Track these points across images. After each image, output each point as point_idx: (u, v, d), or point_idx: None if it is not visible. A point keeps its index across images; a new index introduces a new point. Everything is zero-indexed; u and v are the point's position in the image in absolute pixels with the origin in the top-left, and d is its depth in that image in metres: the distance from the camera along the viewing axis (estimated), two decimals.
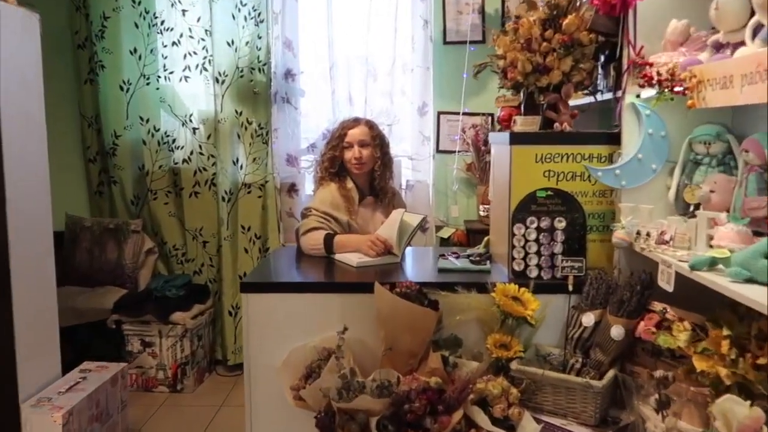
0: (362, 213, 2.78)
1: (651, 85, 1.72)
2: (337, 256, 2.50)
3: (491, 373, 2.01)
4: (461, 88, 4.01)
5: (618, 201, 2.07)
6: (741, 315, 1.55)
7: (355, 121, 2.80)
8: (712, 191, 1.79)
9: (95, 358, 3.96)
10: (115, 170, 4.04)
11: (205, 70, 3.97)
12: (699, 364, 1.55)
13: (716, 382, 1.51)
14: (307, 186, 4.16)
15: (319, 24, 3.99)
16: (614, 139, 2.09)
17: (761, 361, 1.42)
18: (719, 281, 1.44)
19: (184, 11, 3.94)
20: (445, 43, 4.08)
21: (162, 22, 3.96)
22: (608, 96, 2.21)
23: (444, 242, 3.97)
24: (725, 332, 1.51)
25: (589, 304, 2.00)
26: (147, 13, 3.95)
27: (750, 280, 1.40)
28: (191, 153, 4.02)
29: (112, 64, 3.97)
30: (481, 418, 1.79)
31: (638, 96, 1.99)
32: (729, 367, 1.47)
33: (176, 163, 4.05)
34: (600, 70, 2.21)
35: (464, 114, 4.06)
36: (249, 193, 4.00)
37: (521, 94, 2.28)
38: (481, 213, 3.94)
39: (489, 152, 3.91)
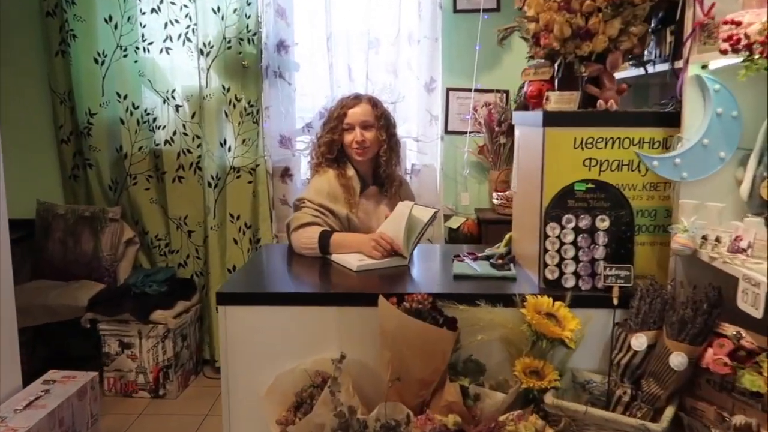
0: (364, 205, 2.41)
1: (737, 51, 1.33)
2: (334, 257, 2.13)
3: (519, 406, 1.66)
4: (473, 62, 3.62)
5: (675, 196, 1.70)
6: None
7: (357, 99, 2.41)
8: None
9: (72, 359, 3.65)
10: (91, 152, 3.66)
11: (189, 40, 3.56)
12: None
13: None
14: (303, 170, 3.78)
15: None
16: (672, 121, 1.70)
17: None
18: None
19: None
20: (456, 11, 3.67)
21: None
22: (663, 67, 1.82)
23: (453, 233, 3.60)
24: None
25: (639, 322, 1.64)
26: None
27: None
28: (174, 133, 3.64)
29: (85, 34, 3.57)
30: None
31: (704, 66, 1.61)
32: None
33: (158, 145, 3.67)
34: (653, 36, 1.82)
35: (476, 91, 3.67)
36: (238, 177, 3.62)
37: (556, 65, 1.89)
38: (495, 201, 3.56)
39: (503, 133, 3.54)
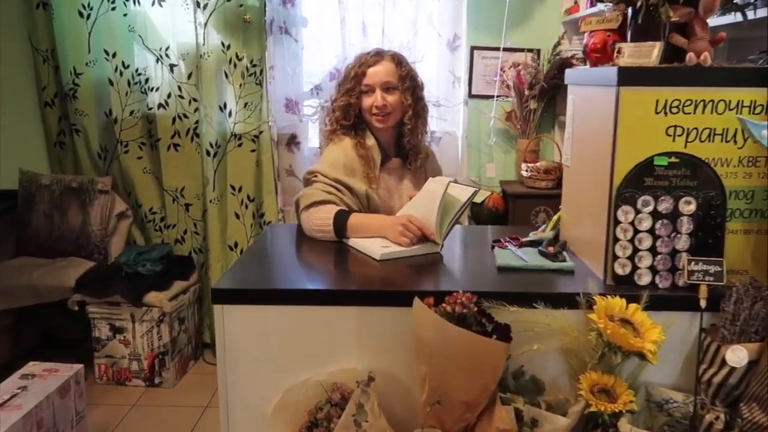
0: (385, 180, 2.07)
1: None
2: (353, 242, 1.80)
3: (581, 430, 1.35)
4: (502, 17, 3.24)
5: None
6: None
7: (378, 56, 2.05)
8: None
9: (61, 343, 3.37)
10: (77, 117, 3.31)
11: None
12: None
13: None
14: (311, 137, 3.44)
15: None
16: None
17: None
18: None
19: None
20: None
21: None
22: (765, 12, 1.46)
23: (476, 207, 3.26)
24: None
25: (736, 332, 1.32)
26: None
27: None
28: (169, 96, 3.28)
29: None
30: None
31: None
32: None
33: (151, 109, 3.32)
34: None
35: (504, 50, 3.30)
36: (240, 145, 3.28)
37: (630, 9, 1.53)
38: (524, 173, 3.22)
39: (534, 98, 3.18)
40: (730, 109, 1.40)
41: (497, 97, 3.33)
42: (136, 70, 3.29)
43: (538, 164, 3.15)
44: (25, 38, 3.31)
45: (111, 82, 3.28)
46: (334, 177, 1.94)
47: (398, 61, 2.05)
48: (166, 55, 3.25)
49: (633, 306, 1.37)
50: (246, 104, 3.24)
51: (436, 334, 1.30)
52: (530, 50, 3.28)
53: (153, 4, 3.21)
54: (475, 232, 2.16)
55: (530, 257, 1.66)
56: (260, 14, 3.15)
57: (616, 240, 1.45)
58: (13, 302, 3.05)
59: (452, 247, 1.80)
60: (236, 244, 3.36)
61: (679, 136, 1.42)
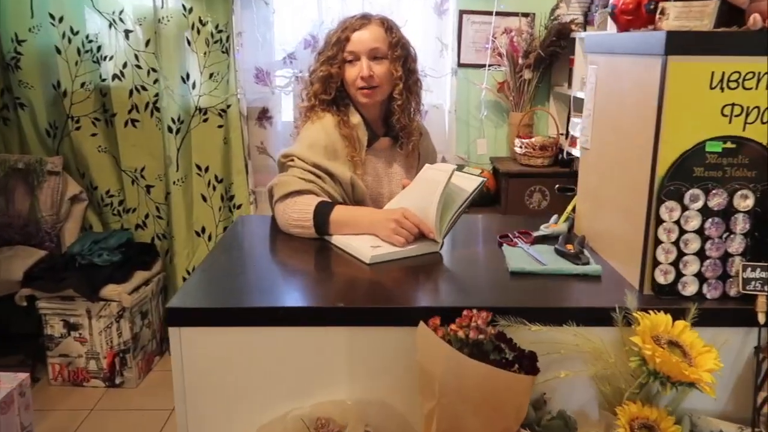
0: (372, 164, 1.80)
1: None
2: (336, 240, 1.53)
3: None
4: None
5: None
6: None
7: (364, 20, 1.75)
8: None
9: (12, 338, 3.06)
10: (22, 89, 2.95)
11: None
12: None
13: None
14: (285, 111, 3.13)
15: None
16: None
17: None
18: None
19: None
20: None
21: None
22: None
23: None
24: None
25: None
26: None
27: None
28: (124, 66, 2.94)
29: None
30: None
31: None
32: None
33: (104, 80, 2.97)
34: None
35: (497, 14, 3.01)
36: (205, 121, 2.97)
37: None
38: (517, 149, 2.96)
39: (529, 67, 2.91)
40: None
41: (490, 66, 3.05)
42: (87, 37, 2.93)
43: (533, 140, 2.90)
44: None
45: (58, 51, 2.92)
46: (313, 161, 1.66)
47: (388, 26, 1.76)
48: (121, 20, 2.90)
49: (681, 324, 1.13)
50: (211, 75, 2.92)
51: (447, 367, 1.05)
52: (525, 14, 3.00)
53: None
54: (473, 222, 1.90)
55: (547, 258, 1.41)
56: None
57: (658, 242, 1.21)
58: None
59: (451, 244, 1.54)
60: (203, 230, 3.07)
61: (737, 116, 1.17)
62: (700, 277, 1.21)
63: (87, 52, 2.94)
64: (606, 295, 1.26)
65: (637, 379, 1.13)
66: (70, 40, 2.91)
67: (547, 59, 2.89)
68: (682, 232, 1.20)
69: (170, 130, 2.93)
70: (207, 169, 3.02)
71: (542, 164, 2.91)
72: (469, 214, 1.67)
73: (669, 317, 1.14)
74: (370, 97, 1.74)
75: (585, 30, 2.88)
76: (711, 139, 1.17)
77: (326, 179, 1.67)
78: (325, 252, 1.52)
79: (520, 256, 1.43)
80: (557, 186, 2.90)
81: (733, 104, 1.16)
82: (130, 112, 2.97)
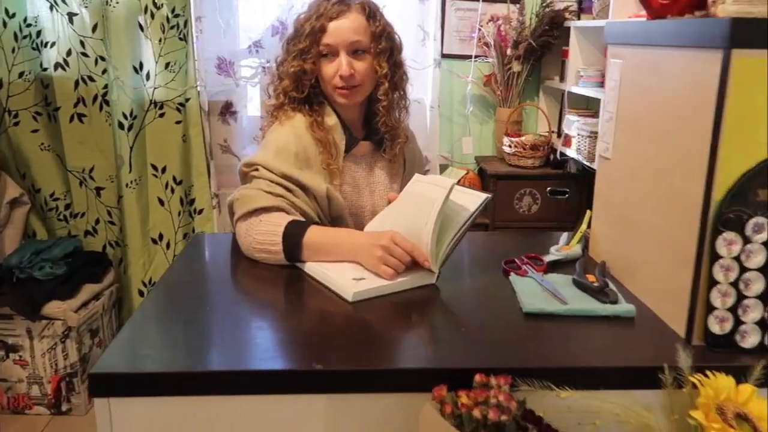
0: (351, 172, 1.54)
1: None
2: (311, 269, 1.27)
3: None
4: None
5: None
6: None
7: (342, 5, 1.47)
8: None
9: None
10: None
11: None
12: None
13: None
14: (251, 105, 2.85)
15: None
16: None
17: None
18: None
19: None
20: None
21: None
22: None
23: None
24: None
25: None
26: None
27: None
28: (69, 53, 2.62)
29: None
30: None
31: None
32: None
33: (46, 69, 2.64)
34: None
35: (484, 0, 2.75)
36: (161, 116, 2.67)
37: None
38: (506, 149, 2.72)
39: (518, 58, 2.66)
40: None
41: (476, 57, 2.80)
42: (25, 20, 2.59)
43: (523, 138, 2.66)
44: None
45: None
46: (281, 171, 1.40)
47: (370, 12, 1.50)
48: (64, 1, 2.57)
49: (747, 389, 0.90)
50: (168, 64, 2.62)
51: None
52: (514, 1, 2.75)
53: None
54: (467, 240, 1.65)
55: (567, 293, 1.17)
56: None
57: (713, 282, 0.97)
58: None
59: (446, 271, 1.28)
60: (161, 237, 2.77)
61: None
62: (763, 325, 0.98)
63: (25, 37, 2.60)
64: (645, 347, 1.02)
65: None
66: (5, 24, 2.57)
67: (539, 50, 2.66)
68: (743, 269, 0.97)
69: (122, 126, 2.62)
70: (164, 170, 2.72)
71: (533, 165, 2.67)
72: (480, 231, 1.42)
73: (732, 380, 0.90)
74: (350, 98, 1.48)
75: (579, 18, 2.65)
76: None
77: (297, 192, 1.41)
78: (296, 284, 1.25)
79: (534, 291, 1.19)
80: (549, 189, 2.67)
81: None
82: (75, 105, 2.65)
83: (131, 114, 2.63)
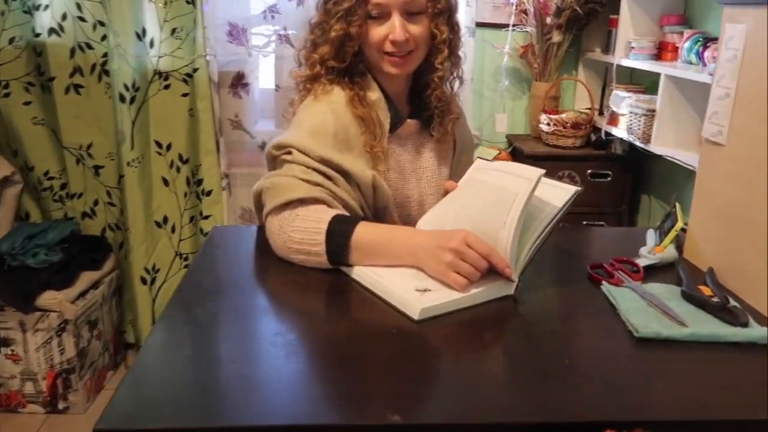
0: (396, 156, 1.32)
1: None
2: (361, 275, 1.05)
3: None
4: None
5: None
6: None
7: None
8: None
9: None
10: None
11: None
12: None
13: None
14: (264, 77, 2.60)
15: None
16: None
17: None
18: None
19: None
20: None
21: None
22: None
23: None
24: None
25: None
26: None
27: None
28: (64, 18, 2.36)
29: None
30: None
31: None
32: None
33: (39, 35, 2.38)
34: None
35: None
36: (167, 88, 2.42)
37: None
38: (544, 127, 2.49)
39: (560, 28, 2.42)
40: None
41: (514, 27, 2.54)
42: None
43: (563, 116, 2.43)
44: None
45: None
46: (320, 155, 1.17)
47: None
48: None
49: None
50: (174, 31, 2.36)
51: None
52: None
53: None
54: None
55: (680, 310, 0.95)
56: None
57: None
58: None
59: (521, 279, 1.06)
60: (165, 220, 2.54)
61: None
62: None
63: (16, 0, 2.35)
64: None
65: None
66: None
67: (584, 18, 2.41)
68: None
69: (123, 98, 2.37)
70: (169, 147, 2.48)
71: (574, 145, 2.44)
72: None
73: None
74: (403, 67, 1.24)
75: None
76: None
77: (339, 180, 1.18)
78: (342, 295, 1.03)
79: (638, 307, 0.97)
80: (589, 171, 2.45)
81: None
82: (72, 75, 2.40)
83: (133, 85, 2.38)
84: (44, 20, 2.36)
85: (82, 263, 2.36)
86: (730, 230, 1.06)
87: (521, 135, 2.69)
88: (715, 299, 0.96)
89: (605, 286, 1.04)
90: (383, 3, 1.19)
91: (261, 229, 1.23)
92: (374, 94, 1.28)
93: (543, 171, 1.00)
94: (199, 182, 2.51)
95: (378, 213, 1.29)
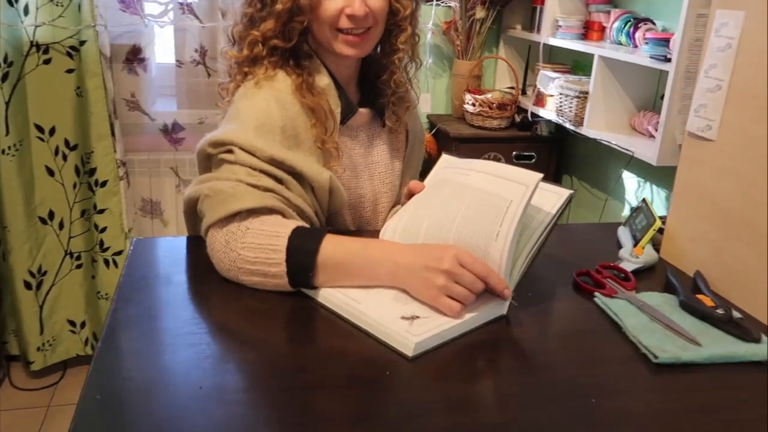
0: (348, 150, 1.16)
1: None
2: (329, 298, 0.89)
3: None
4: None
5: None
6: None
7: None
8: None
9: None
10: None
11: None
12: None
13: None
14: (163, 50, 2.31)
15: None
16: None
17: None
18: None
19: None
20: None
21: None
22: None
23: None
24: None
25: None
26: None
27: None
28: None
29: None
30: None
31: None
32: None
33: None
34: None
35: None
36: (47, 63, 2.09)
37: None
38: (469, 107, 2.39)
39: (483, 2, 2.32)
40: None
41: (436, 1, 2.41)
42: None
43: (489, 96, 2.34)
44: None
45: None
46: (269, 155, 0.98)
47: None
48: None
49: None
50: None
51: None
52: None
53: None
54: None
55: (687, 325, 0.88)
56: None
57: None
58: None
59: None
60: (51, 215, 2.22)
61: None
62: None
63: None
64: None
65: None
66: None
67: None
68: None
69: None
70: (53, 132, 2.15)
71: (499, 126, 2.37)
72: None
73: None
74: (360, 47, 1.08)
75: None
76: None
77: (291, 184, 1.01)
78: (309, 324, 0.87)
79: (643, 323, 0.88)
80: (514, 153, 2.39)
81: None
82: None
83: (5, 60, 2.03)
84: None
85: None
86: (722, 231, 1.00)
87: (443, 115, 2.59)
88: (720, 311, 0.90)
89: (600, 299, 0.95)
90: None
91: (196, 241, 1.03)
92: (323, 80, 1.10)
93: (541, 175, 0.88)
94: (92, 171, 2.21)
95: (329, 218, 1.13)
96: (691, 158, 1.06)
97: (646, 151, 1.74)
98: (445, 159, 1.07)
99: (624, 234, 1.17)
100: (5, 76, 2.04)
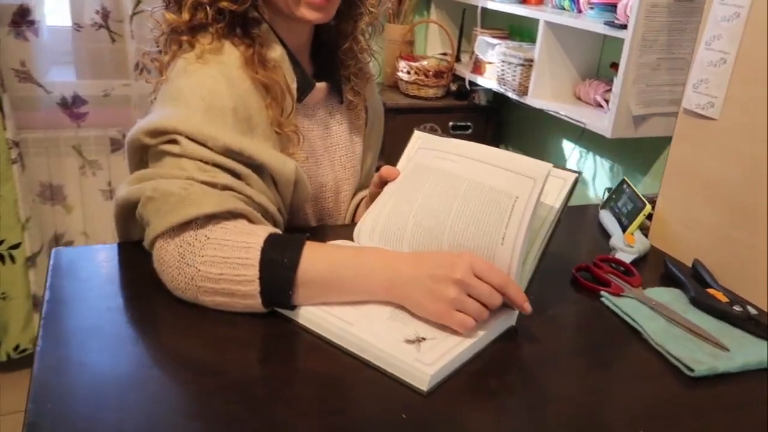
0: (305, 131, 1.01)
1: None
2: (311, 320, 0.74)
3: None
4: None
5: None
6: None
7: None
8: None
9: None
10: None
11: None
12: None
13: None
14: (56, 11, 2.01)
15: None
16: None
17: None
18: None
19: None
20: None
21: None
22: None
23: None
24: None
25: None
26: None
27: None
28: None
29: None
30: None
31: None
32: None
33: None
34: None
35: None
36: None
37: None
38: (403, 76, 2.25)
39: None
40: None
41: None
42: None
43: (425, 63, 2.21)
44: None
45: None
46: (224, 144, 0.81)
47: None
48: None
49: None
50: None
51: None
52: None
53: None
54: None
55: (708, 326, 0.80)
56: None
57: None
58: None
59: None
60: None
61: None
62: None
63: None
64: None
65: None
66: None
67: None
68: None
69: None
70: None
71: (435, 95, 2.25)
72: None
73: None
74: (325, 11, 0.91)
75: None
76: None
77: (252, 179, 0.84)
78: (296, 354, 0.72)
79: (663, 327, 0.80)
80: (451, 123, 2.29)
81: None
82: None
83: None
84: None
85: None
86: (723, 216, 0.93)
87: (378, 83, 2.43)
88: (737, 308, 0.83)
89: (607, 299, 0.86)
90: None
91: (132, 249, 0.85)
92: (276, 51, 0.93)
93: (550, 166, 0.77)
94: None
95: (291, 212, 0.97)
96: (687, 137, 0.98)
97: (598, 122, 1.68)
98: (419, 137, 0.94)
99: (609, 219, 1.09)
100: None
